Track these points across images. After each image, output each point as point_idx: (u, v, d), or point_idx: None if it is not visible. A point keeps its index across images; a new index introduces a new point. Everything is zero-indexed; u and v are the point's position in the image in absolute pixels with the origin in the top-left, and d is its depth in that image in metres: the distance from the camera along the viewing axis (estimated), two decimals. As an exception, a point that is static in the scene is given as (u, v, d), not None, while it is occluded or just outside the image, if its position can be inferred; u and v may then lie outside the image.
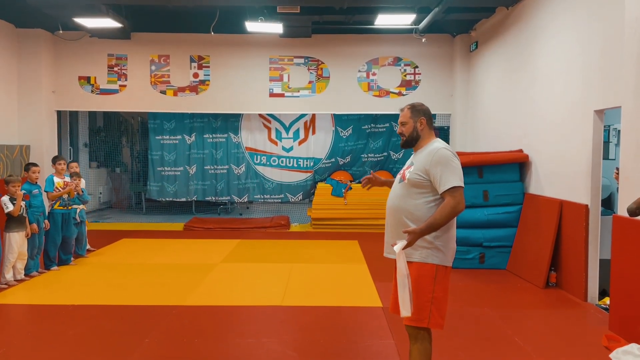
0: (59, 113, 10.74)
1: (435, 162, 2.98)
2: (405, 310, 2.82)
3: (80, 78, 10.36)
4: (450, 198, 2.92)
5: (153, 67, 10.37)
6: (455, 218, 3.08)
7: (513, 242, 6.90)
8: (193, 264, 7.16)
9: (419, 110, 3.20)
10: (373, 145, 11.18)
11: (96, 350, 4.11)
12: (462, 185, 2.94)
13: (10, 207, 5.84)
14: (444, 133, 11.09)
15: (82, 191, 7.30)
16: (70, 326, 4.66)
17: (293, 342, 4.32)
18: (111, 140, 13.62)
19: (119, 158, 14.05)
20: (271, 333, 4.51)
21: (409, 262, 3.04)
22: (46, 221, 6.56)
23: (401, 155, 11.09)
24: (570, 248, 5.81)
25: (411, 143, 3.22)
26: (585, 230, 5.51)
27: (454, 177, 2.93)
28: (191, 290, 5.80)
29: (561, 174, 6.12)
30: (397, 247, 2.85)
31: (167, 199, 11.42)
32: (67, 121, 12.31)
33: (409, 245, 2.89)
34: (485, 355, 4.07)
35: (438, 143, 3.09)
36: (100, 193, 13.35)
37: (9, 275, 5.95)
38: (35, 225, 5.96)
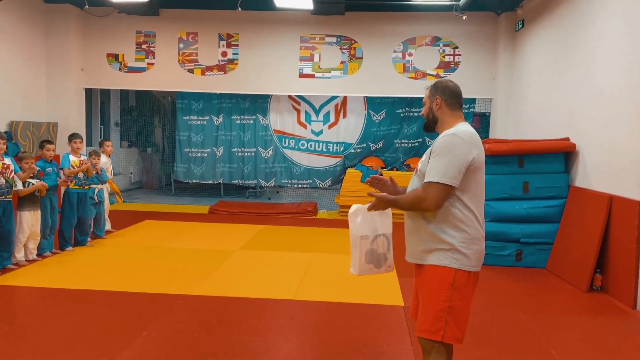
0: (88, 91, 10.64)
1: (434, 149, 2.54)
2: (353, 267, 2.84)
3: (108, 55, 10.19)
4: (422, 190, 2.51)
5: (181, 45, 10.09)
6: (483, 212, 2.61)
7: (554, 239, 6.28)
8: (210, 249, 6.87)
9: (437, 88, 2.72)
10: (407, 131, 10.60)
11: (89, 341, 3.83)
12: (445, 183, 2.45)
13: (19, 186, 5.65)
14: (485, 120, 10.42)
15: (101, 170, 7.11)
16: (69, 313, 4.42)
17: (299, 341, 3.93)
18: (143, 120, 13.51)
19: (151, 138, 13.95)
20: (277, 330, 4.14)
21: (421, 266, 2.61)
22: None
23: (437, 141, 10.47)
24: (619, 248, 5.18)
25: (430, 126, 2.77)
26: (637, 230, 4.88)
27: (440, 170, 2.46)
28: (202, 279, 5.49)
29: (612, 166, 5.47)
30: (355, 209, 2.80)
31: (195, 181, 11.21)
32: (98, 99, 12.25)
33: (373, 208, 2.73)
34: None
35: (456, 127, 2.60)
36: (131, 173, 13.29)
37: (19, 255, 5.80)
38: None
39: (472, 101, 10.08)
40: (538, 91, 7.87)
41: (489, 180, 6.41)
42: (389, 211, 2.82)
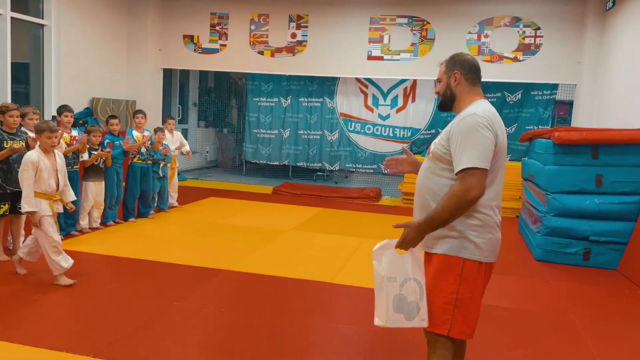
0: (168, 71, 11.10)
1: (456, 131, 2.27)
2: (379, 317, 2.34)
3: (184, 37, 10.55)
4: (459, 183, 2.21)
5: (252, 27, 10.21)
6: (500, 199, 2.37)
7: (629, 238, 5.68)
8: (264, 227, 6.94)
9: (455, 62, 2.45)
10: (481, 117, 10.03)
11: (120, 308, 3.99)
12: (482, 166, 2.19)
13: (85, 157, 5.99)
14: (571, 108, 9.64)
15: (166, 147, 7.36)
16: (109, 280, 4.64)
17: (320, 328, 3.84)
18: (220, 101, 13.91)
19: (228, 119, 14.36)
20: (303, 312, 4.08)
21: (430, 255, 2.40)
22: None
23: (513, 129, 9.85)
24: (701, 254, 4.57)
25: (447, 105, 2.52)
26: None
27: (472, 155, 2.19)
28: (246, 256, 5.55)
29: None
30: (380, 245, 2.30)
31: (262, 162, 11.39)
32: (177, 80, 12.76)
33: (403, 245, 2.28)
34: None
35: (477, 106, 2.34)
36: (207, 152, 13.78)
37: (83, 223, 6.17)
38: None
39: (554, 87, 9.36)
40: (627, 77, 7.11)
41: (556, 171, 5.97)
42: (421, 256, 2.37)
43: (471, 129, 2.23)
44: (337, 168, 11.03)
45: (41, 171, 4.24)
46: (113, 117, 6.61)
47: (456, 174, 2.24)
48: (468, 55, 2.49)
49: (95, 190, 6.19)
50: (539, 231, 6.10)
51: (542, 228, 6.00)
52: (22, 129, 5.14)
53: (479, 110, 2.31)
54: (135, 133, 6.83)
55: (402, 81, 10.25)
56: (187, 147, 8.34)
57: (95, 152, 6.11)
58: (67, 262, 4.34)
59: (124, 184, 6.84)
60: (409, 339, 3.64)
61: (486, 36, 9.25)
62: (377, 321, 2.35)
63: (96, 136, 6.19)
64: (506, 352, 3.53)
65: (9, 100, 7.48)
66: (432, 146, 2.44)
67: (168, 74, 11.62)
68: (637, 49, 6.85)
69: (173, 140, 8.04)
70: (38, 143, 4.37)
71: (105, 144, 6.41)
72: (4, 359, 3.10)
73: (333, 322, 3.93)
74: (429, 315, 2.36)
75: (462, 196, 2.19)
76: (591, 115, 8.57)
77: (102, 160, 6.22)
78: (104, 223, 6.50)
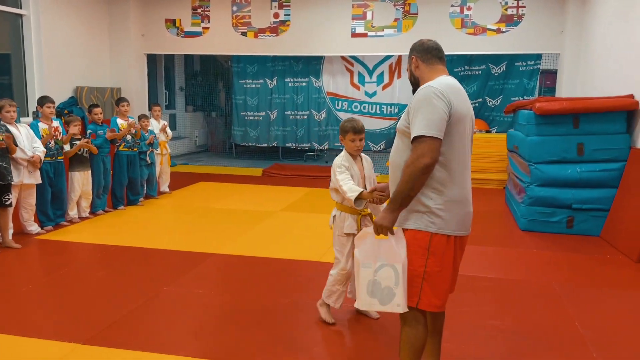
0: (152, 56, 11.01)
1: (412, 105, 2.36)
2: (358, 301, 2.52)
3: (166, 21, 10.44)
4: (412, 153, 2.29)
5: (234, 8, 10.12)
6: (468, 173, 2.42)
7: (611, 205, 5.78)
8: (252, 210, 7.00)
9: (411, 49, 2.57)
10: (466, 90, 9.93)
11: (109, 294, 4.06)
12: (430, 134, 2.24)
13: (66, 148, 6.00)
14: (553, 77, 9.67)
15: (151, 133, 7.37)
16: (100, 267, 4.70)
17: (309, 306, 3.92)
18: (207, 84, 13.83)
19: (216, 102, 14.29)
20: (291, 291, 4.16)
21: (403, 231, 2.45)
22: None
23: (499, 101, 9.90)
24: (678, 217, 4.67)
25: (416, 89, 2.57)
26: (699, 197, 4.36)
27: (422, 124, 2.25)
28: (235, 238, 5.62)
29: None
30: (362, 233, 2.48)
31: (251, 144, 11.40)
32: (162, 65, 12.67)
33: (379, 230, 2.35)
34: (526, 342, 3.36)
35: (435, 80, 2.40)
36: (196, 136, 13.76)
37: (72, 213, 6.21)
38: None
39: (538, 57, 9.38)
40: (609, 45, 7.13)
41: (538, 141, 6.03)
42: (404, 241, 2.39)
43: (424, 100, 2.30)
44: (327, 147, 11.07)
45: None
46: (95, 105, 6.60)
47: (412, 144, 2.31)
48: (424, 39, 2.57)
49: (81, 179, 6.21)
50: (523, 202, 6.19)
51: (526, 198, 6.09)
52: (1, 122, 5.13)
53: (435, 82, 2.38)
54: (119, 121, 6.83)
55: (387, 57, 10.24)
56: (168, 131, 8.11)
57: (77, 142, 6.12)
58: None
59: (111, 172, 6.86)
60: (396, 316, 3.73)
61: (469, 9, 9.21)
62: (355, 303, 2.52)
63: (76, 126, 6.18)
64: (489, 321, 3.63)
65: (-8, 93, 7.43)
66: (398, 123, 2.49)
67: (152, 59, 11.53)
68: (617, 17, 6.86)
69: (159, 127, 8.03)
70: None
71: (88, 134, 6.42)
72: (-4, 349, 3.17)
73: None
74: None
75: (414, 164, 2.25)
76: (575, 84, 8.60)
77: (85, 149, 6.22)
78: (93, 212, 6.54)
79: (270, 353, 3.16)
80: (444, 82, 2.36)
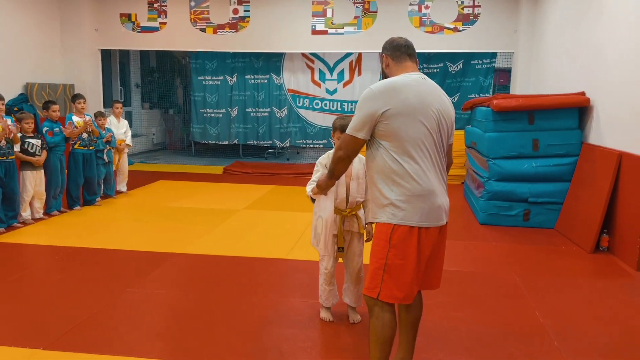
0: (107, 52, 10.68)
1: None
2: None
3: (121, 15, 10.14)
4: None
5: (192, 3, 9.94)
6: (427, 165, 2.42)
7: (565, 198, 6.01)
8: (214, 209, 6.91)
9: (382, 48, 2.66)
10: (425, 88, 10.23)
11: (71, 297, 3.92)
12: (349, 133, 2.47)
13: (17, 148, 5.75)
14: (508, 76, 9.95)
15: (108, 131, 7.17)
16: (58, 270, 4.54)
17: (277, 304, 3.91)
18: (164, 81, 13.53)
19: (174, 99, 14.00)
20: (259, 289, 4.14)
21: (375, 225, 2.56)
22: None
23: (456, 99, 10.10)
24: (627, 208, 4.91)
25: None
26: (646, 189, 4.59)
27: (351, 123, 2.49)
28: (198, 238, 5.53)
29: (624, 121, 5.13)
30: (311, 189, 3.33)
31: (210, 142, 11.24)
32: (117, 61, 12.30)
33: (320, 190, 3.01)
34: (489, 333, 3.45)
35: (390, 78, 2.52)
36: (154, 134, 13.44)
37: (25, 214, 5.96)
38: None
39: (494, 55, 9.64)
40: (559, 44, 7.40)
41: (496, 138, 6.21)
42: (331, 196, 3.29)
43: (360, 101, 2.48)
44: (288, 145, 11.03)
45: None
46: (52, 102, 6.36)
47: None
48: (395, 37, 2.64)
49: (34, 180, 5.97)
50: (482, 196, 6.36)
51: (485, 193, 6.26)
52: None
53: (386, 80, 2.48)
54: (75, 118, 6.59)
55: (348, 55, 10.29)
56: (128, 139, 7.97)
57: (30, 140, 5.88)
58: None
59: (66, 171, 6.62)
60: (365, 310, 3.77)
61: (427, 7, 9.37)
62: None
63: (28, 123, 5.95)
64: (452, 313, 3.72)
65: None
66: None
67: (107, 55, 11.18)
68: (566, 17, 7.13)
69: (119, 125, 7.81)
70: None
71: (44, 132, 6.18)
72: (-51, 358, 3.01)
73: (289, 296, 4.01)
74: (365, 280, 2.56)
75: (334, 154, 2.63)
76: (528, 82, 8.89)
77: (37, 148, 5.98)
78: (47, 213, 6.30)
79: (239, 353, 3.13)
80: (389, 81, 2.45)
